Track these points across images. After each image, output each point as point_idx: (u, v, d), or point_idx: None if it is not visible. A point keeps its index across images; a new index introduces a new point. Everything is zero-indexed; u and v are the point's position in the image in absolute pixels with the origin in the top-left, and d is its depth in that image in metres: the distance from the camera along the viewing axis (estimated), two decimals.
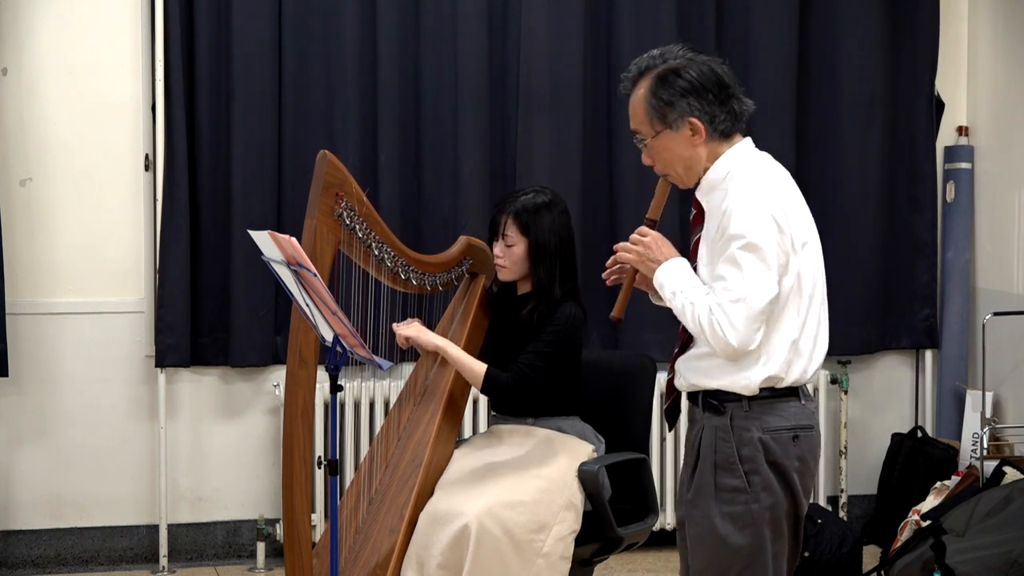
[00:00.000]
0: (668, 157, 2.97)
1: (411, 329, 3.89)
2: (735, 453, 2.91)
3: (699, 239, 2.98)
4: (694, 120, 2.92)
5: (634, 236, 3.02)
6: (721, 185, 2.93)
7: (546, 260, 3.87)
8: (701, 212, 3.00)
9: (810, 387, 3.06)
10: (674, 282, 2.93)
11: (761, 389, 2.90)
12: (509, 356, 3.88)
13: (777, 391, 2.91)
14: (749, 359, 2.88)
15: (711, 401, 2.96)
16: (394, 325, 3.92)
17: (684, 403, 3.19)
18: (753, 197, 2.86)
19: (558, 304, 3.86)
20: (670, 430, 3.21)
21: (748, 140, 3.00)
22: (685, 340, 3.03)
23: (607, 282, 3.14)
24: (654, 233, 3.01)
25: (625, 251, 3.02)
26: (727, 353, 2.84)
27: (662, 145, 2.96)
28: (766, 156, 3.01)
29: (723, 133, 2.95)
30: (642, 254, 2.99)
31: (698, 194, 3.00)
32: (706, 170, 2.96)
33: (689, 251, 3.02)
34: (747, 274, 2.81)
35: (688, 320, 2.88)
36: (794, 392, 2.94)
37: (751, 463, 2.90)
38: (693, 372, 2.98)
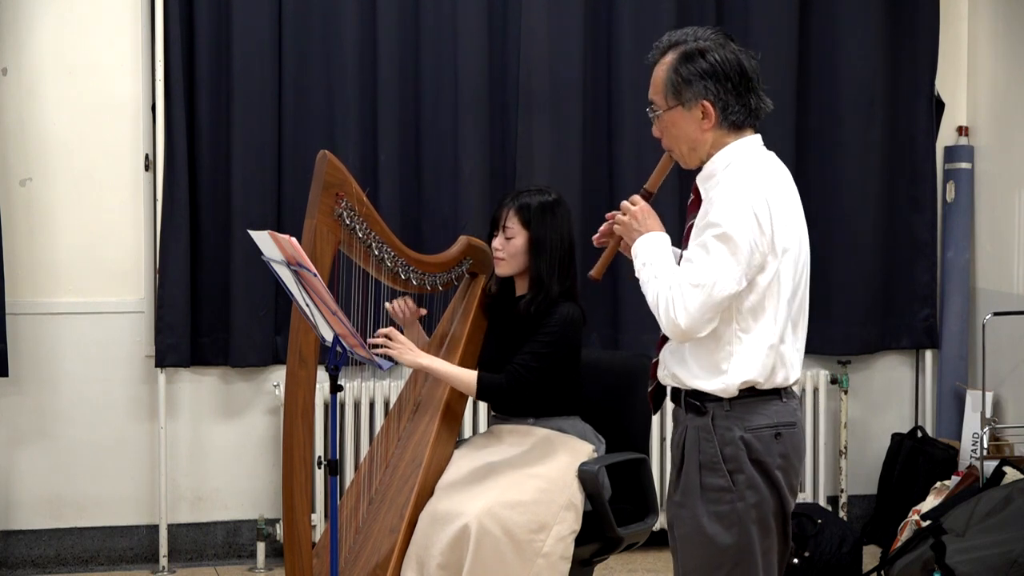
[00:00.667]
0: (676, 133, 2.98)
1: (394, 350, 3.82)
2: (718, 453, 2.91)
3: (692, 225, 2.98)
4: (707, 104, 2.93)
5: (625, 203, 3.04)
6: (720, 175, 2.94)
7: (546, 255, 3.87)
8: (698, 199, 3.00)
9: (797, 388, 3.06)
10: (646, 254, 2.95)
11: (740, 391, 2.91)
12: (508, 355, 3.88)
13: (757, 391, 2.92)
14: (723, 359, 2.89)
15: (692, 402, 2.96)
16: (378, 335, 3.86)
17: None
18: (740, 190, 2.87)
19: (556, 303, 3.86)
20: (654, 413, 3.22)
21: (757, 137, 3.00)
22: None
23: (595, 244, 3.16)
24: (643, 204, 3.03)
25: (615, 220, 3.05)
26: (674, 334, 2.86)
27: (671, 120, 2.97)
28: (771, 156, 3.01)
29: (733, 124, 2.95)
30: (627, 223, 3.02)
31: (698, 180, 3.01)
32: (710, 156, 2.97)
33: (683, 235, 3.02)
34: (714, 262, 2.82)
35: (648, 293, 2.90)
36: (775, 392, 2.94)
37: (735, 462, 2.91)
38: (676, 363, 2.98)
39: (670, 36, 3.00)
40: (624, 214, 3.03)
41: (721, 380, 2.90)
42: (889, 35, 5.54)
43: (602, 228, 3.13)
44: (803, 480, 5.53)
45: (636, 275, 2.96)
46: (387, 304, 3.99)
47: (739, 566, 2.92)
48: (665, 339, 3.03)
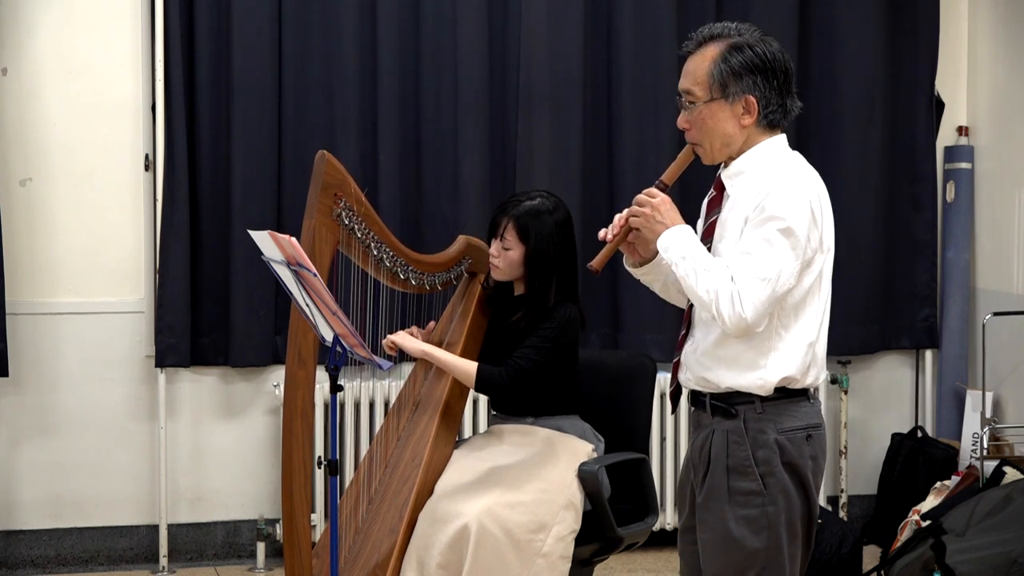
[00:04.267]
0: (711, 126, 2.89)
1: (397, 336, 3.87)
2: (750, 456, 2.87)
3: (715, 221, 2.93)
4: (751, 99, 2.87)
5: (642, 196, 2.92)
6: (751, 172, 2.88)
7: (542, 269, 3.86)
8: (720, 195, 2.95)
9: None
10: (683, 247, 2.84)
11: (775, 390, 2.86)
12: (505, 353, 3.88)
13: (788, 392, 2.88)
14: (761, 355, 2.85)
15: (719, 405, 2.91)
16: (384, 340, 3.91)
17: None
18: (797, 184, 2.82)
19: (553, 308, 3.85)
20: (672, 411, 3.15)
21: (784, 137, 2.96)
22: (690, 322, 2.98)
23: (599, 237, 3.03)
24: (664, 196, 2.92)
25: (632, 214, 2.93)
26: (738, 328, 2.77)
27: (710, 113, 2.89)
28: (800, 156, 2.97)
29: (770, 123, 2.91)
30: (648, 215, 2.90)
31: (723, 175, 2.95)
32: (741, 152, 2.91)
33: (702, 231, 2.97)
34: (779, 257, 2.77)
35: (697, 286, 2.79)
36: (803, 392, 2.91)
37: (767, 465, 2.87)
38: (702, 367, 2.93)
39: (710, 28, 2.93)
40: (642, 206, 2.92)
41: (759, 375, 2.85)
42: (889, 35, 5.54)
43: (615, 223, 3.00)
44: None
45: (673, 268, 2.85)
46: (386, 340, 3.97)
47: (766, 570, 2.88)
48: (685, 339, 2.99)
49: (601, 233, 3.03)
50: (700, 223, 3.03)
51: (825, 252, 2.87)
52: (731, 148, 2.91)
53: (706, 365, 2.92)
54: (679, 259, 2.84)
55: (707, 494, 2.93)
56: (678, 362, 3.02)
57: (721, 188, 2.96)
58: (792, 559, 2.91)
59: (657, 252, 2.95)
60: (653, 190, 2.94)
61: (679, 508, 3.10)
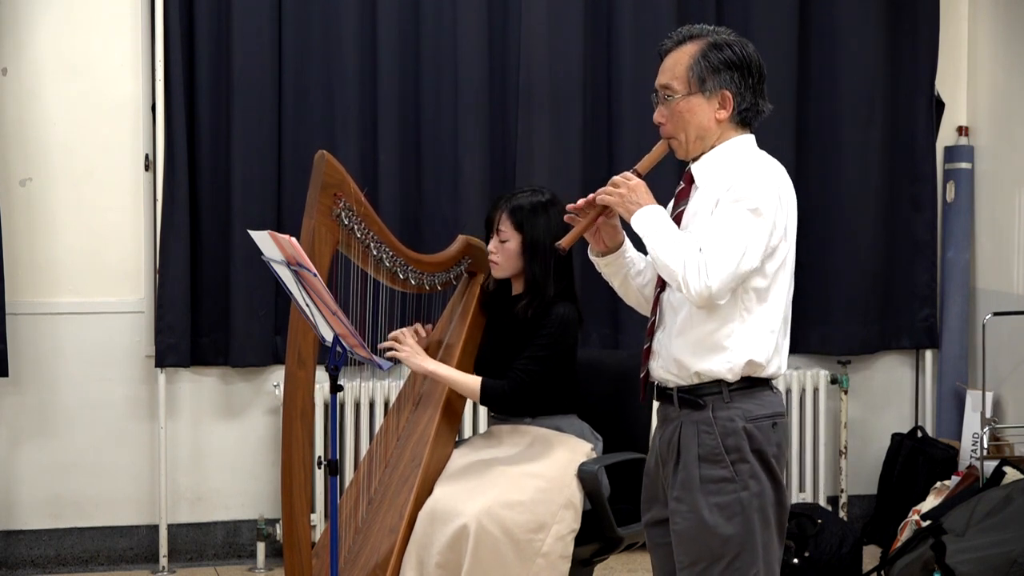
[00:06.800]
0: (687, 120, 2.99)
1: (403, 352, 3.88)
2: (720, 444, 2.94)
3: (683, 212, 3.02)
4: (727, 93, 2.97)
5: (618, 178, 2.99)
6: (721, 166, 2.97)
7: (539, 258, 3.87)
8: (689, 187, 3.03)
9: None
10: (655, 223, 2.91)
11: (740, 378, 2.93)
12: (504, 357, 3.88)
13: (752, 381, 2.95)
14: (726, 336, 2.91)
15: (687, 397, 2.98)
16: (389, 338, 3.92)
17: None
18: (765, 171, 2.92)
19: (552, 303, 3.86)
20: (642, 401, 3.19)
21: (752, 137, 3.05)
22: (660, 308, 3.05)
23: (566, 219, 3.09)
24: (639, 179, 3.01)
25: (607, 193, 2.99)
26: (701, 296, 2.84)
27: (687, 107, 2.98)
28: (767, 154, 3.05)
29: (742, 120, 3.01)
30: (624, 195, 2.97)
31: (694, 167, 3.03)
32: (712, 148, 3.00)
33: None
34: (746, 233, 2.85)
35: (667, 257, 2.86)
36: (767, 382, 2.99)
37: (737, 452, 2.93)
38: (676, 348, 2.99)
39: (688, 28, 3.04)
40: (617, 186, 2.98)
41: (725, 358, 2.93)
42: (889, 35, 5.54)
43: (580, 202, 3.04)
44: (803, 480, 5.54)
45: (644, 241, 2.92)
46: (389, 340, 3.96)
47: (739, 557, 2.94)
48: (655, 327, 3.05)
49: (569, 207, 3.07)
50: (668, 212, 3.08)
51: (788, 241, 2.95)
52: (705, 143, 3.01)
53: (677, 347, 2.99)
54: (651, 231, 2.92)
55: (680, 486, 2.99)
56: (649, 349, 3.08)
57: (690, 180, 3.04)
58: (766, 547, 2.96)
59: (621, 243, 3.09)
60: (628, 173, 3.01)
61: (644, 504, 3.16)
